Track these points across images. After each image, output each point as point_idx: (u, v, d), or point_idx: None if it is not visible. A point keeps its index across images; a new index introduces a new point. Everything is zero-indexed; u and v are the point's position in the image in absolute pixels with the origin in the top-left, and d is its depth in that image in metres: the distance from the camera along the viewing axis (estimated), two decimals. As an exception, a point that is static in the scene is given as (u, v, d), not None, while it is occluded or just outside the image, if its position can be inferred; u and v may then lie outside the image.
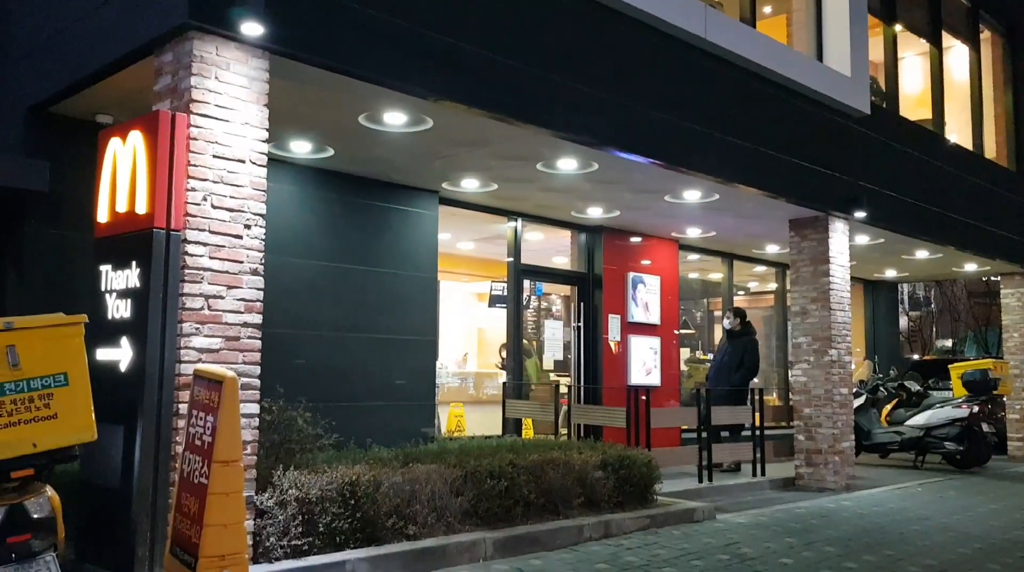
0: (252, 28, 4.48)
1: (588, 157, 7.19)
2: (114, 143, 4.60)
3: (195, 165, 4.42)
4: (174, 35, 4.52)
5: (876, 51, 10.69)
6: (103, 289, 4.59)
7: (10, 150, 5.87)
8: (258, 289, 4.66)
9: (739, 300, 13.00)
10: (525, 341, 10.46)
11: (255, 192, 4.66)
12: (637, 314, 10.61)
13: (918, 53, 12.47)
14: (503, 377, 9.93)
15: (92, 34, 5.17)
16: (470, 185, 8.20)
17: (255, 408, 4.60)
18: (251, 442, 4.51)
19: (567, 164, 7.42)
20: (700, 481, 8.59)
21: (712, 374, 10.45)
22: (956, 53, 13.03)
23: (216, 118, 4.50)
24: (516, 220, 9.58)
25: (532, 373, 10.74)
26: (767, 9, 10.89)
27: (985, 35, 13.39)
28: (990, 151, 13.25)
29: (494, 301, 10.29)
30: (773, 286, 13.63)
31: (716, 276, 12.80)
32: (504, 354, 10.43)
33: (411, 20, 5.40)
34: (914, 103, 12.20)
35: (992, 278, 15.06)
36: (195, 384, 4.06)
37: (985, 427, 11.22)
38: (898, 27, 11.14)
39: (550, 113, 6.35)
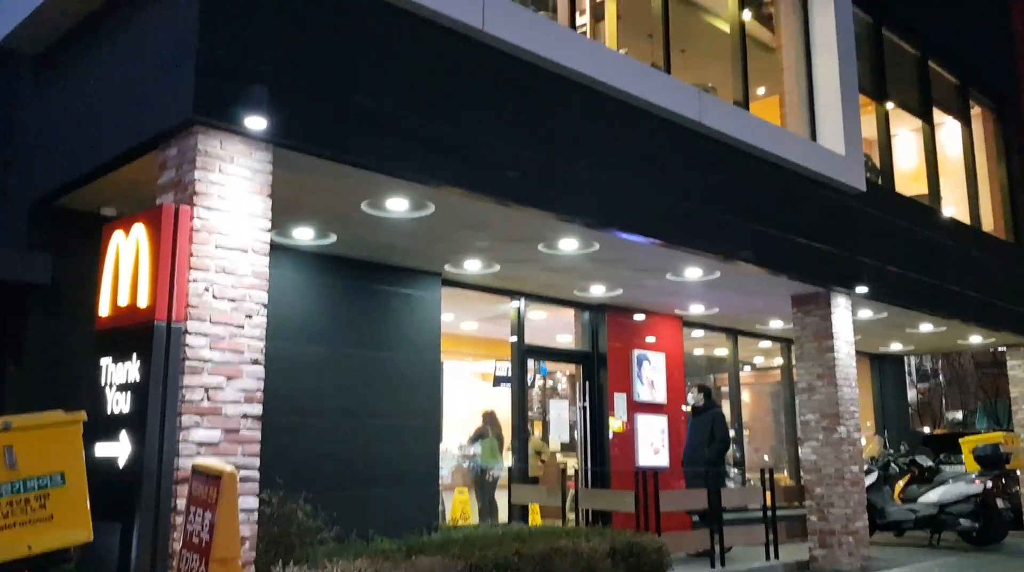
0: (256, 122, 4.56)
1: (589, 237, 7.23)
2: (117, 236, 4.63)
3: (197, 256, 4.44)
4: (179, 130, 4.59)
5: (869, 129, 10.85)
6: (103, 383, 4.56)
7: (14, 243, 5.91)
8: (258, 379, 4.63)
9: (745, 376, 12.92)
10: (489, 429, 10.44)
11: (257, 281, 4.67)
12: (643, 393, 10.53)
13: (911, 129, 12.67)
14: (508, 460, 9.80)
15: (99, 128, 5.26)
16: (472, 266, 8.23)
17: (254, 502, 4.52)
18: (249, 537, 4.42)
19: (568, 245, 7.46)
20: (712, 566, 8.39)
21: (687, 452, 10.18)
22: (948, 128, 13.24)
23: (219, 210, 4.54)
24: (519, 299, 9.59)
25: (487, 456, 10.59)
26: (760, 91, 11.12)
27: (976, 111, 13.62)
28: (988, 224, 13.34)
29: (498, 381, 10.23)
30: (779, 361, 13.55)
31: (721, 352, 12.75)
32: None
33: (412, 108, 5.50)
34: (909, 178, 12.33)
35: (999, 349, 14.96)
36: (193, 479, 4.00)
37: (1000, 502, 11.00)
38: (889, 105, 11.34)
39: (551, 196, 6.41)
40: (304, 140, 4.93)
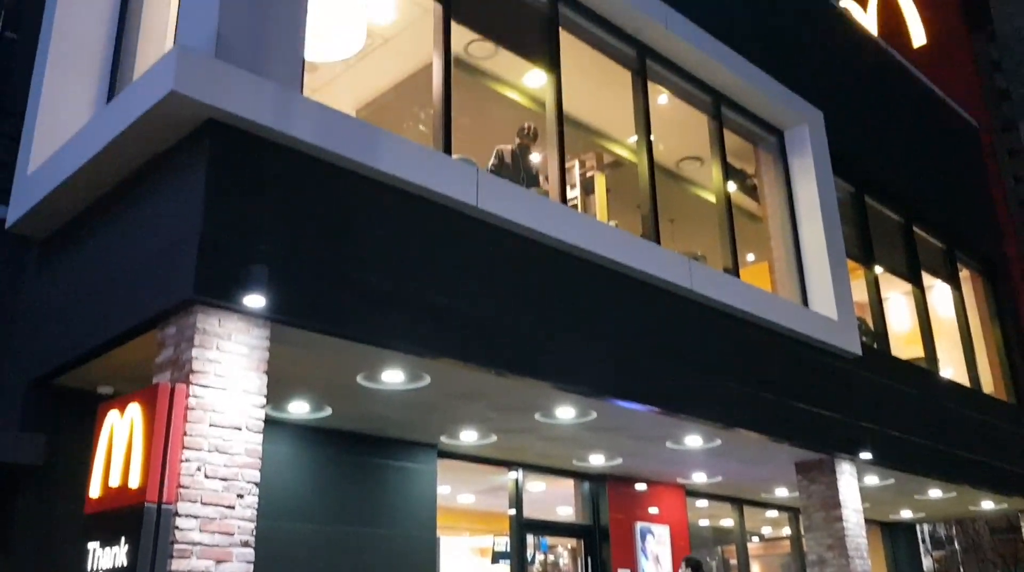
0: (255, 301, 4.64)
1: (586, 406, 7.20)
2: (112, 416, 4.61)
3: (191, 435, 4.41)
4: (179, 309, 4.67)
5: (860, 292, 11.03)
6: (90, 569, 4.41)
7: (8, 423, 5.87)
8: (248, 562, 4.48)
9: (754, 548, 12.49)
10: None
11: (250, 460, 4.61)
12: (648, 568, 10.15)
13: (902, 293, 12.87)
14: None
15: (99, 309, 5.35)
16: (468, 437, 8.14)
17: None
18: None
19: (565, 413, 7.41)
20: None
21: None
22: (939, 291, 13.44)
23: (215, 387, 4.54)
24: (517, 471, 9.42)
25: None
26: (750, 257, 11.40)
27: (964, 273, 13.89)
28: (988, 386, 13.31)
29: (497, 557, 9.87)
30: (787, 531, 13.15)
31: (727, 523, 12.38)
32: None
33: (408, 282, 5.61)
34: (905, 341, 12.41)
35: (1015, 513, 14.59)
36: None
37: None
38: (878, 269, 11.57)
39: (547, 365, 6.43)
40: (302, 316, 5.01)
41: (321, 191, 5.36)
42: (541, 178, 8.95)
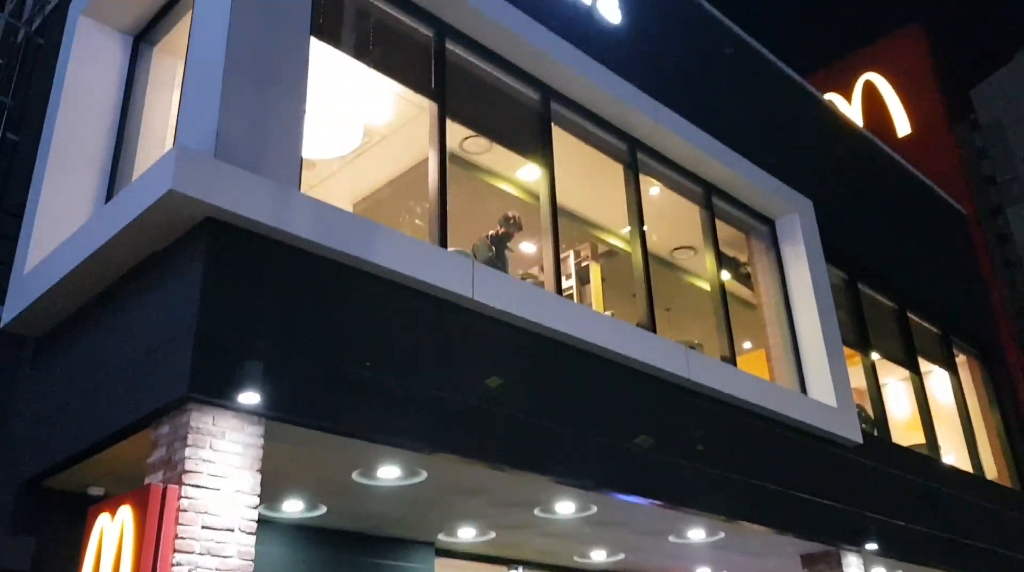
0: (250, 398, 4.61)
1: (586, 500, 7.07)
2: (102, 520, 4.52)
3: (183, 537, 4.31)
4: (173, 408, 4.62)
5: (858, 379, 10.99)
6: None
7: (-4, 526, 5.75)
8: (240, 671, 4.32)
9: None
10: None
11: (242, 563, 4.50)
12: (652, 667, 9.81)
13: (900, 379, 12.83)
14: None
15: (92, 408, 5.30)
16: (466, 534, 7.96)
17: None
18: None
19: (565, 508, 7.27)
20: None
21: None
22: (937, 377, 13.40)
23: (208, 488, 4.47)
24: (517, 569, 9.18)
25: None
26: (746, 345, 11.39)
27: (961, 358, 13.86)
28: (991, 471, 13.14)
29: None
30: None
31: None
32: None
33: (404, 376, 5.58)
34: (905, 427, 12.31)
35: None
36: None
37: None
38: (875, 355, 11.55)
39: (545, 459, 6.35)
40: (297, 413, 4.96)
41: (318, 286, 5.39)
42: (536, 269, 9.02)
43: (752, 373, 8.93)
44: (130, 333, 5.26)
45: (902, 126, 19.19)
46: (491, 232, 8.19)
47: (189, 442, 4.46)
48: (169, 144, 6.75)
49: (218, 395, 4.54)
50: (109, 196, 6.62)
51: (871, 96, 19.67)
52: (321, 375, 5.14)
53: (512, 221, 8.33)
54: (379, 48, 6.93)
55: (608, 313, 9.28)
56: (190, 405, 4.52)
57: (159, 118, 7.12)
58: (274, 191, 5.17)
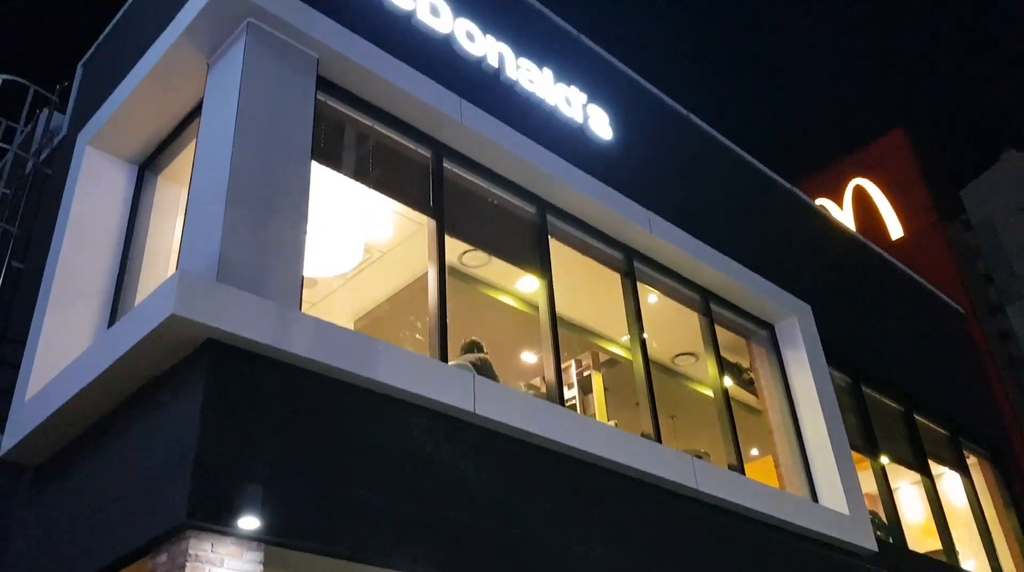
0: (249, 522, 4.53)
1: (595, 621, 6.84)
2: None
3: (179, 672, 4.16)
4: (171, 535, 4.54)
5: (869, 484, 10.79)
6: None
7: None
8: None
9: None
10: None
11: None
12: None
13: (912, 482, 12.60)
14: None
15: (90, 537, 5.20)
16: (474, 660, 7.66)
17: None
18: None
19: (574, 630, 7.02)
20: None
21: None
22: (949, 480, 13.16)
23: (206, 619, 4.35)
24: None
25: None
26: (754, 452, 11.24)
27: (972, 460, 13.65)
28: (1012, 576, 12.76)
29: None
30: None
31: None
32: None
33: (404, 497, 5.49)
34: (921, 533, 12.01)
35: None
36: None
37: None
38: (884, 459, 11.38)
39: (550, 578, 6.18)
40: (296, 537, 4.86)
41: (319, 405, 5.37)
42: (537, 379, 8.99)
43: (761, 481, 8.79)
44: (129, 459, 5.22)
45: (895, 229, 19.47)
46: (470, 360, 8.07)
47: (187, 571, 4.36)
48: (172, 269, 6.85)
49: (217, 521, 4.47)
50: (112, 323, 6.68)
51: (862, 200, 20.04)
52: (322, 497, 5.07)
53: (474, 345, 8.13)
54: (378, 168, 7.13)
55: (612, 423, 9.20)
56: (188, 532, 4.45)
57: (162, 244, 7.26)
58: (275, 312, 5.23)
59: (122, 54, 7.79)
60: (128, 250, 7.12)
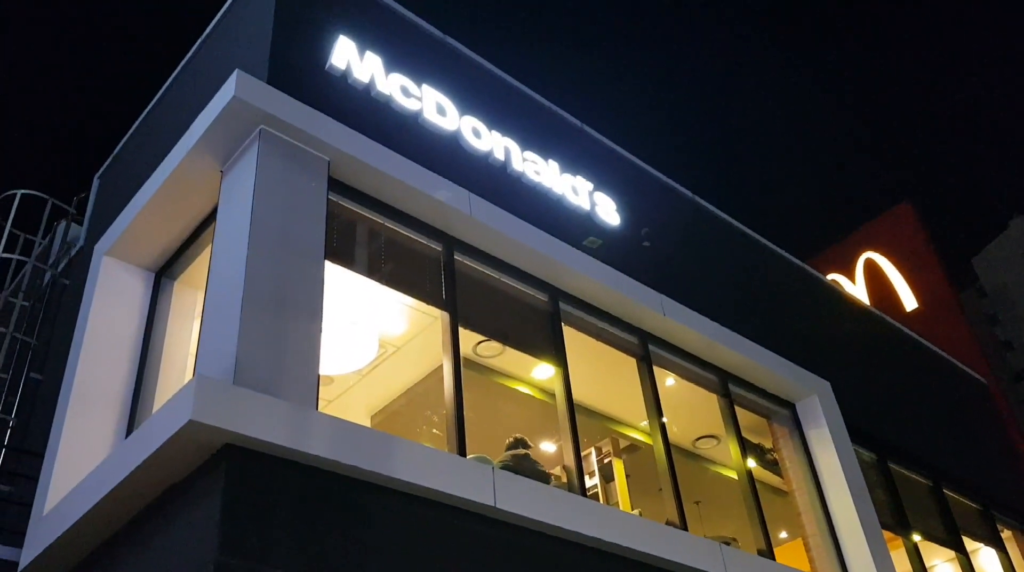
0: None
1: None
2: None
3: None
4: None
5: (903, 564, 10.49)
6: None
7: None
8: None
9: None
10: None
11: None
12: None
13: (946, 560, 12.24)
14: None
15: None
16: None
17: None
18: None
19: None
20: None
21: None
22: (985, 555, 12.78)
23: None
24: None
25: None
26: (783, 535, 10.97)
27: (1007, 534, 13.29)
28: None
29: None
30: None
31: None
32: None
33: None
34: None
35: None
36: None
37: None
38: (916, 537, 11.09)
39: None
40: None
41: (337, 504, 5.31)
42: (557, 469, 8.87)
43: (792, 567, 8.56)
44: (148, 569, 5.14)
45: (908, 301, 19.40)
46: (519, 452, 8.02)
47: None
48: (189, 375, 6.88)
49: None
50: (129, 431, 6.67)
51: (874, 274, 20.03)
52: None
53: (518, 442, 8.14)
54: (390, 264, 7.22)
55: (636, 511, 9.04)
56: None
57: (179, 350, 7.31)
58: (292, 413, 5.22)
59: (137, 164, 8.00)
60: (145, 357, 7.16)
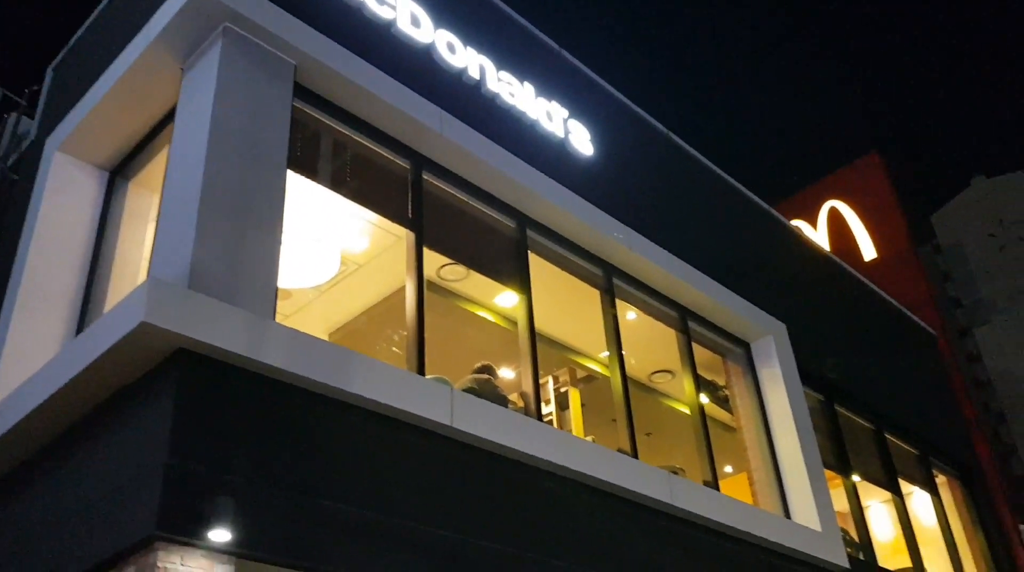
0: (220, 535, 4.41)
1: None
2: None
3: None
4: (139, 548, 4.40)
5: (840, 502, 10.80)
6: None
7: None
8: None
9: None
10: None
11: None
12: None
13: (882, 501, 12.64)
14: None
15: (54, 552, 5.03)
16: None
17: None
18: None
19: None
20: None
21: None
22: (919, 498, 13.23)
23: (172, 635, 4.21)
24: None
25: None
26: (728, 468, 11.21)
27: (941, 479, 13.74)
28: (980, 595, 12.82)
29: None
30: None
31: None
32: None
33: (380, 509, 5.39)
34: (891, 551, 12.04)
35: None
36: None
37: None
38: (856, 478, 11.40)
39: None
40: (268, 550, 4.74)
41: (292, 417, 5.26)
42: (514, 395, 8.91)
43: (735, 498, 8.76)
44: (97, 470, 5.06)
45: (868, 251, 19.64)
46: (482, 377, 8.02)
47: (154, 585, 4.23)
48: (142, 278, 6.71)
49: (187, 533, 4.34)
50: (80, 331, 6.52)
51: (836, 222, 20.21)
52: (295, 510, 4.95)
53: (485, 368, 8.14)
54: (356, 179, 7.05)
55: (589, 439, 9.14)
56: (157, 544, 4.31)
57: (133, 252, 7.11)
58: (249, 321, 5.12)
59: (93, 58, 7.66)
60: (97, 258, 6.96)
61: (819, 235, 19.97)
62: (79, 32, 8.79)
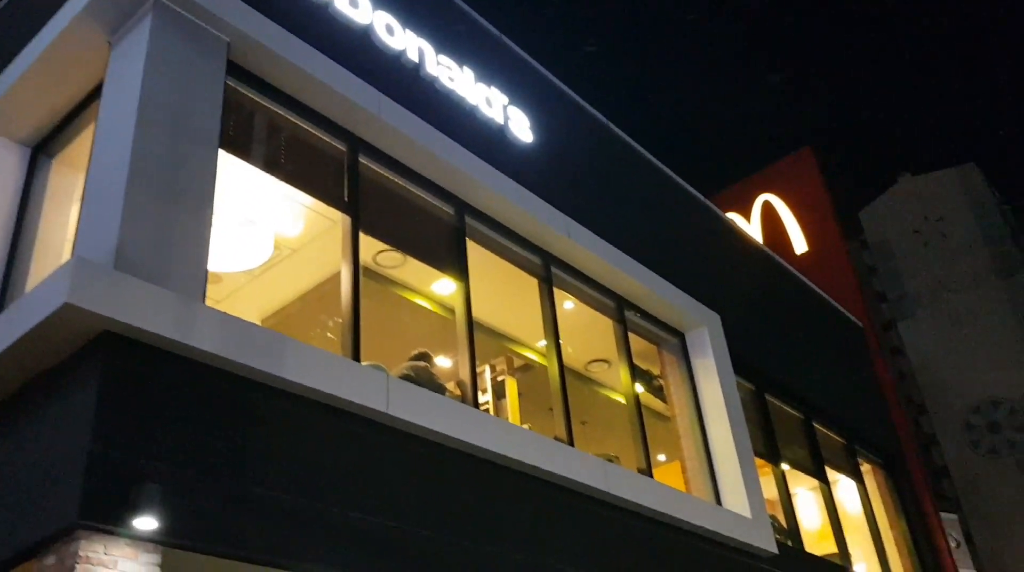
0: (145, 523, 4.28)
1: (505, 626, 6.74)
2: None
3: None
4: (60, 536, 4.25)
5: (770, 489, 11.02)
6: None
7: None
8: None
9: None
10: None
11: None
12: None
13: (809, 488, 12.94)
14: None
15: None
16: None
17: None
18: None
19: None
20: None
21: None
22: (844, 486, 13.58)
23: (94, 627, 4.07)
24: None
25: None
26: (661, 457, 11.35)
27: (866, 468, 14.12)
28: (901, 580, 13.23)
29: None
30: None
31: None
32: None
33: (312, 496, 5.31)
34: (817, 537, 12.34)
35: None
36: None
37: None
38: (785, 466, 11.65)
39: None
40: (196, 538, 4.63)
41: (223, 402, 5.14)
42: (451, 384, 8.87)
43: (668, 485, 8.87)
44: (18, 456, 4.87)
45: (799, 244, 20.05)
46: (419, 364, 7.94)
47: (76, 575, 4.08)
48: (66, 258, 6.47)
49: (110, 521, 4.20)
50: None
51: (769, 216, 20.59)
52: (224, 497, 4.83)
53: (422, 355, 8.09)
54: (291, 161, 6.91)
55: (525, 427, 9.14)
56: (79, 532, 4.16)
57: (56, 233, 6.85)
58: (177, 304, 4.97)
59: (15, 29, 7.34)
60: (18, 237, 6.69)
61: (753, 228, 20.32)
62: (1, 2, 8.43)
